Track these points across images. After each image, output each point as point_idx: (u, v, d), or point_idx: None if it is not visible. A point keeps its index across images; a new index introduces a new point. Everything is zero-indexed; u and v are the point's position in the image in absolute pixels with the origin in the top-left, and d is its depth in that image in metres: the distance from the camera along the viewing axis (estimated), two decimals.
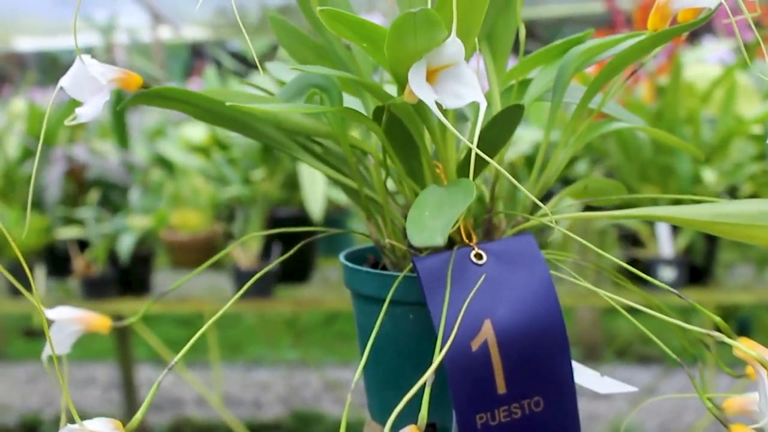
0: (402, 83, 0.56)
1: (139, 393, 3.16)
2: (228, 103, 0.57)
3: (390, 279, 0.63)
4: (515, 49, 0.75)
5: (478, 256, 0.61)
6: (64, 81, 0.62)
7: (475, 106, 0.73)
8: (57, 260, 2.37)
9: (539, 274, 0.62)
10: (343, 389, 3.36)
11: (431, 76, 0.55)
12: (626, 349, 3.81)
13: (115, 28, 5.38)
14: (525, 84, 0.72)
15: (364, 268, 0.65)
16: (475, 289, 0.58)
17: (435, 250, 0.63)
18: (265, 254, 2.22)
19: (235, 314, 3.80)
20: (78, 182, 2.49)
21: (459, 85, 0.54)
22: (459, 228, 0.63)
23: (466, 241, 0.63)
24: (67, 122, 0.63)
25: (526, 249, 0.63)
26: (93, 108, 0.61)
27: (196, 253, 2.40)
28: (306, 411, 3.28)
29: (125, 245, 2.22)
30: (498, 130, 0.63)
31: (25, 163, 2.59)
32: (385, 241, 0.68)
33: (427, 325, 0.59)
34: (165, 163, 2.52)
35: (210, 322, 0.65)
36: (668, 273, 2.08)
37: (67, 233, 2.32)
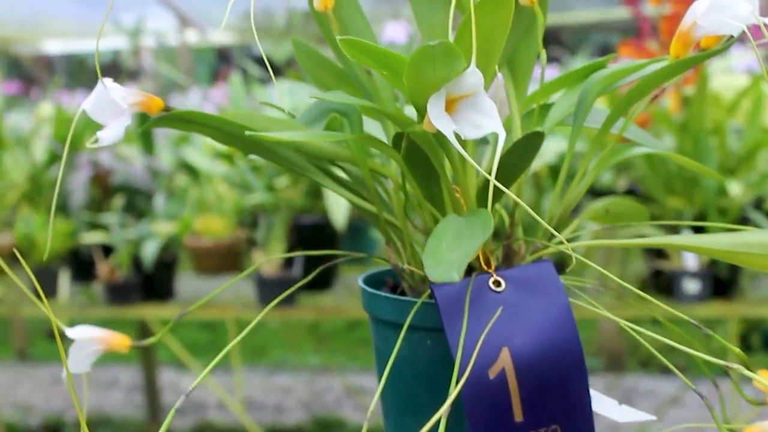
0: (422, 112, 0.56)
1: (162, 396, 3.18)
2: (247, 133, 0.57)
3: (408, 305, 0.63)
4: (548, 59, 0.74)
5: (497, 283, 0.61)
6: (87, 104, 0.63)
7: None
8: (81, 265, 2.40)
9: (558, 301, 0.61)
10: (364, 395, 3.36)
11: (451, 105, 0.55)
12: (650, 359, 3.78)
13: (142, 31, 5.42)
14: (546, 108, 0.72)
15: (382, 293, 0.65)
16: (493, 319, 0.58)
17: None
18: (288, 262, 2.23)
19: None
20: (103, 187, 2.52)
21: (478, 114, 0.54)
22: (478, 254, 0.63)
23: (485, 267, 0.63)
24: (89, 144, 0.63)
25: (544, 276, 0.63)
26: (114, 132, 0.62)
27: (219, 258, 2.41)
28: (327, 416, 3.28)
29: (149, 251, 2.23)
30: (518, 157, 0.63)
31: (51, 167, 2.62)
32: (404, 267, 0.68)
33: (444, 350, 0.59)
34: (190, 169, 2.53)
35: (227, 348, 0.65)
36: (693, 285, 2.07)
37: (91, 238, 2.34)
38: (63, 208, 2.42)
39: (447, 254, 0.52)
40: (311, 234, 2.31)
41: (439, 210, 0.66)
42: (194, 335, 4.21)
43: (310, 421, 3.25)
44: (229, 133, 0.65)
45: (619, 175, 2.50)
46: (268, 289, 2.20)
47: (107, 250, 2.33)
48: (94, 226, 2.42)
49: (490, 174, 0.54)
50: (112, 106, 0.62)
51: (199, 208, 2.43)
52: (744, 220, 2.16)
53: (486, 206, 0.59)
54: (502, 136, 0.53)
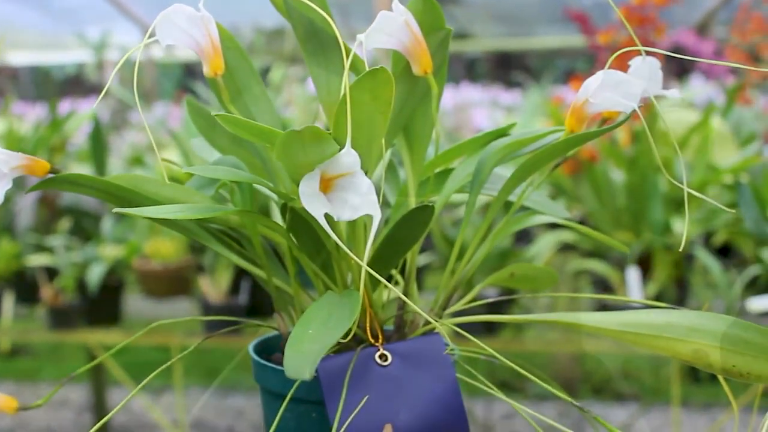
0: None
1: (113, 416, 3.13)
2: (114, 210, 0.56)
3: None
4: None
5: (383, 357, 0.60)
6: None
7: (397, 189, 0.73)
8: (26, 287, 2.36)
9: (445, 376, 0.61)
10: None
11: (328, 184, 0.54)
12: (603, 386, 3.79)
13: (108, 45, 5.39)
14: (445, 175, 0.71)
15: (270, 364, 0.64)
16: (364, 399, 0.57)
17: (339, 349, 0.62)
18: (234, 289, 2.21)
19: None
20: (51, 209, 2.48)
21: (354, 195, 0.53)
22: (365, 326, 0.62)
23: (372, 340, 0.62)
24: None
25: (433, 349, 0.62)
26: None
27: (168, 282, 2.39)
28: None
29: (95, 275, 2.20)
30: (408, 229, 0.62)
31: None
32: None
33: (330, 424, 0.58)
34: None
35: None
36: None
37: (36, 260, 2.31)
38: (9, 229, 2.39)
39: (308, 344, 0.51)
40: None
41: (330, 278, 0.65)
42: (146, 355, 4.16)
43: None
44: (116, 196, 0.64)
45: (572, 205, 2.51)
46: (213, 315, 2.18)
47: (53, 273, 2.29)
48: (40, 248, 2.38)
49: (379, 247, 0.53)
50: None
51: (149, 231, 2.40)
52: (689, 257, 2.18)
53: (379, 273, 0.58)
54: (377, 218, 0.52)
